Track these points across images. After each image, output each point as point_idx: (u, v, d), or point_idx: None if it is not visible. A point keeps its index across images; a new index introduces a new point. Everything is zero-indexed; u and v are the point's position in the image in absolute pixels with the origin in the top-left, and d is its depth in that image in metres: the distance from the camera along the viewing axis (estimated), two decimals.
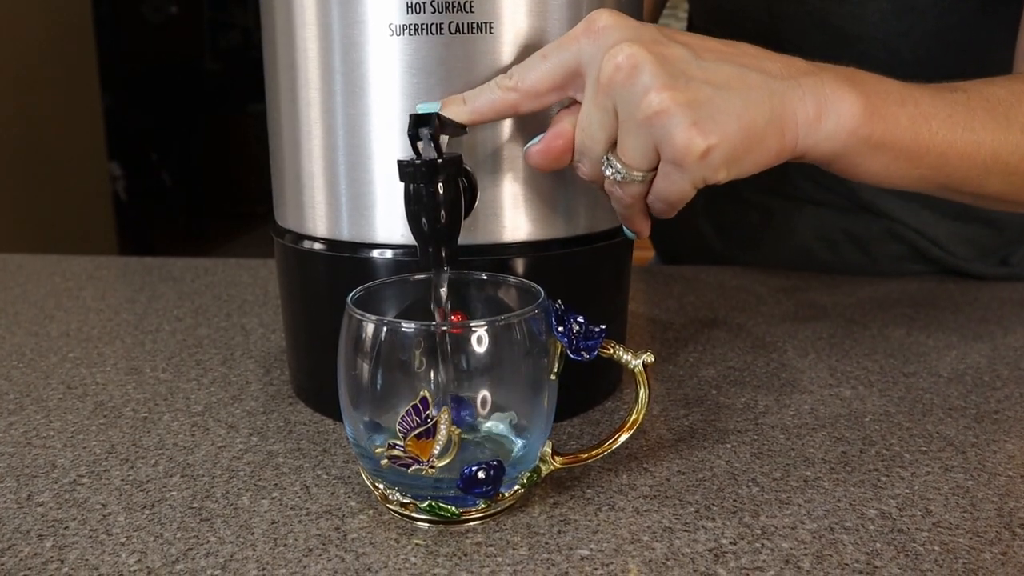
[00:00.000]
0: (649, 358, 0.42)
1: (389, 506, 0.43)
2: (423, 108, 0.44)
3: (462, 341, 0.40)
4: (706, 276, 0.90)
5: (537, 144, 0.46)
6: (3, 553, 0.40)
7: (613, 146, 0.44)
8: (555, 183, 0.49)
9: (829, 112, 0.46)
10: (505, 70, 0.46)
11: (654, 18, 0.93)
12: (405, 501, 0.41)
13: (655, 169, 0.44)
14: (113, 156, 3.54)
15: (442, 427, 0.39)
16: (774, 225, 0.93)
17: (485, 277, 0.47)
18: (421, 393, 0.39)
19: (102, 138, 3.23)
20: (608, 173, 0.44)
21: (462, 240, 0.43)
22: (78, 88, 3.07)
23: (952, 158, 0.50)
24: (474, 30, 0.46)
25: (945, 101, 0.50)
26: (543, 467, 0.44)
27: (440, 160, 0.42)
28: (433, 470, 0.40)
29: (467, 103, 0.45)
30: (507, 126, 0.48)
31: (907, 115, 0.49)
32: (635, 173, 0.44)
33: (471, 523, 0.42)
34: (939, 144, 0.50)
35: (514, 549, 0.40)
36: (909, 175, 0.50)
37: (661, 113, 0.41)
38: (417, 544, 0.40)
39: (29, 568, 0.39)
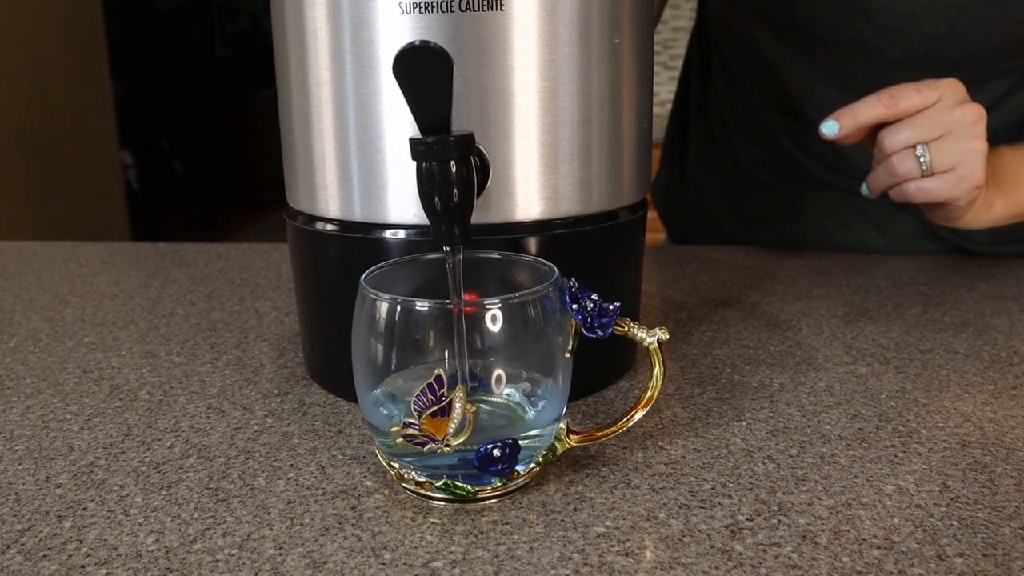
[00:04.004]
0: (664, 335, 0.42)
1: (405, 485, 0.43)
2: (827, 127, 0.66)
3: (476, 319, 0.40)
4: (719, 256, 0.90)
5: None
6: (23, 534, 0.40)
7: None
8: (567, 161, 0.49)
9: (986, 211, 0.71)
10: (517, 48, 0.46)
11: (659, 7, 0.92)
12: (421, 480, 0.42)
13: (931, 173, 0.66)
14: (124, 144, 3.55)
15: (457, 405, 0.39)
16: (787, 205, 0.93)
17: (498, 256, 0.46)
18: (436, 371, 0.39)
19: (113, 127, 3.24)
20: (920, 156, 0.65)
21: (475, 219, 0.43)
22: (88, 77, 3.07)
23: None
24: (485, 7, 0.45)
25: None
26: (558, 445, 0.44)
27: (452, 138, 0.42)
28: (448, 448, 0.40)
29: (857, 115, 0.66)
30: (517, 106, 0.47)
31: None
32: (926, 160, 0.65)
33: (487, 501, 0.42)
34: None
35: (530, 527, 0.40)
36: (1012, 222, 0.75)
37: (978, 152, 0.65)
38: (433, 523, 0.41)
39: (49, 548, 0.39)
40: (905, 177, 0.66)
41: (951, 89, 0.66)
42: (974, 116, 0.65)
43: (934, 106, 0.65)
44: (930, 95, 0.65)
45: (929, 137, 0.65)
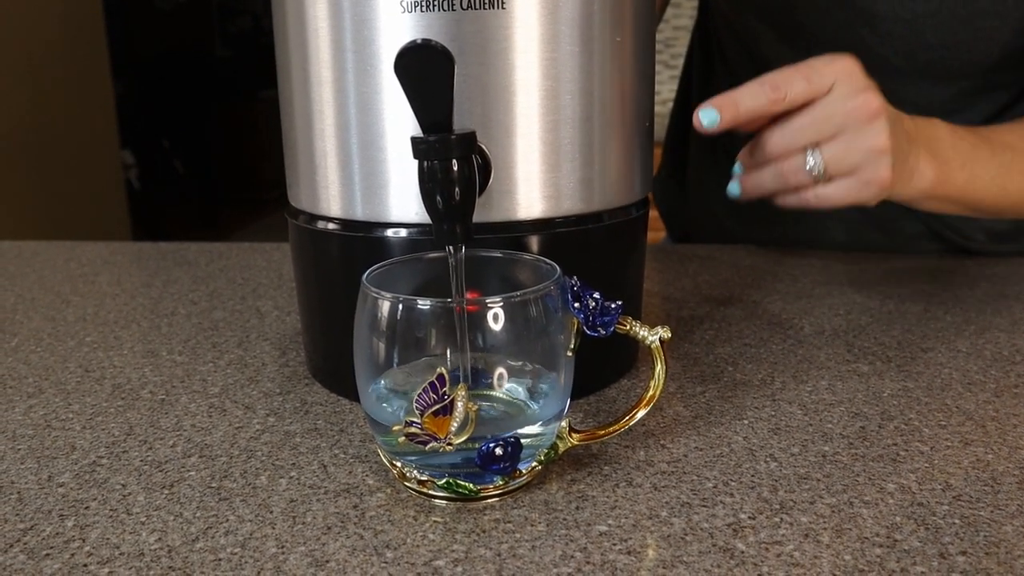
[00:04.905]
0: (666, 333, 0.42)
1: (407, 484, 0.43)
2: (706, 114, 0.57)
3: (478, 318, 0.40)
4: (720, 255, 0.90)
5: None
6: (26, 532, 0.40)
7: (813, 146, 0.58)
8: (569, 160, 0.49)
9: (915, 177, 0.62)
10: (518, 46, 0.46)
11: (661, 5, 0.92)
12: (423, 479, 0.42)
13: (828, 178, 0.58)
14: (125, 144, 3.55)
15: (459, 404, 0.39)
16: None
17: (500, 255, 0.46)
18: (438, 370, 0.39)
19: (114, 126, 3.24)
20: (811, 162, 0.57)
21: (477, 218, 0.43)
22: (89, 77, 3.07)
23: (985, 203, 0.67)
24: (486, 6, 0.45)
25: (995, 163, 0.66)
26: (560, 444, 0.44)
27: (454, 137, 0.42)
28: (451, 447, 0.40)
29: (738, 105, 0.57)
30: (519, 104, 0.47)
31: (963, 178, 0.64)
32: (817, 166, 0.57)
33: (489, 500, 0.42)
34: (979, 197, 0.66)
35: (532, 525, 0.40)
36: (950, 209, 0.68)
37: (880, 152, 0.57)
38: (435, 521, 0.41)
39: (52, 547, 0.39)
40: (798, 185, 0.58)
41: (846, 73, 0.57)
42: (871, 111, 0.56)
43: (825, 97, 0.57)
44: (820, 83, 0.56)
45: (821, 138, 0.57)
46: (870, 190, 0.58)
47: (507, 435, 0.40)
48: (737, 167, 0.62)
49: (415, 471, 0.42)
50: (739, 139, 0.95)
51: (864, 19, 0.76)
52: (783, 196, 0.60)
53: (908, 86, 0.79)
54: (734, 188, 0.62)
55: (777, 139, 0.58)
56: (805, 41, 0.81)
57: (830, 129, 0.57)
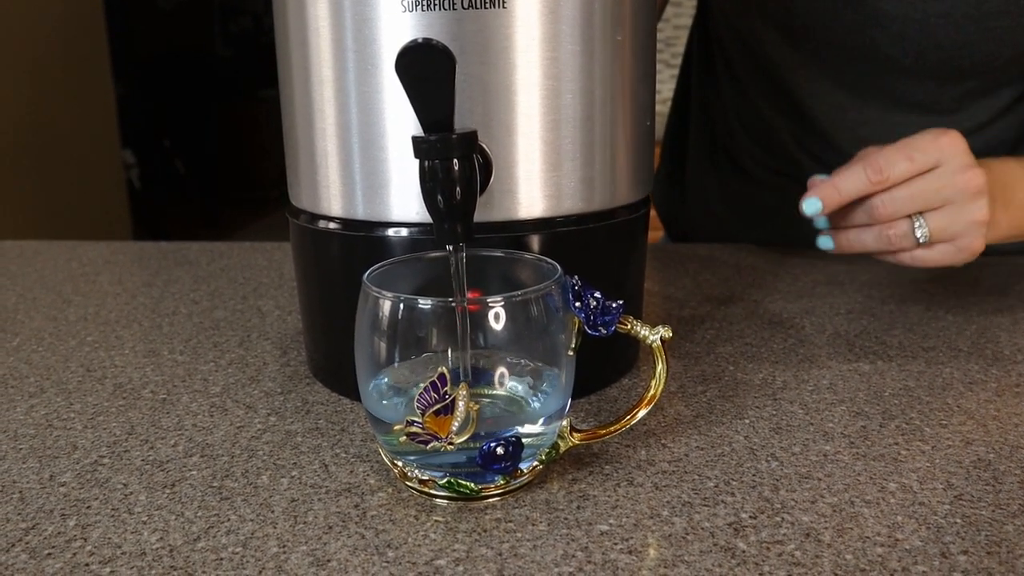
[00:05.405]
0: (667, 332, 0.42)
1: (408, 483, 0.43)
2: (809, 204, 0.62)
3: (479, 318, 0.40)
4: (721, 254, 0.90)
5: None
6: (28, 532, 0.40)
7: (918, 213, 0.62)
8: (570, 159, 0.49)
9: (993, 228, 0.64)
10: (519, 45, 0.46)
11: (662, 4, 0.92)
12: (424, 478, 0.42)
13: (930, 244, 0.62)
14: (126, 144, 3.55)
15: (460, 403, 0.39)
16: (788, 205, 0.92)
17: (501, 254, 0.46)
18: (439, 370, 0.39)
19: (115, 126, 3.24)
20: (917, 229, 0.61)
21: (478, 217, 0.43)
22: (90, 77, 3.07)
23: None
24: (487, 5, 0.45)
25: None
26: (561, 443, 0.44)
27: (455, 136, 0.42)
28: (452, 446, 0.40)
29: (840, 192, 0.61)
30: (519, 104, 0.47)
31: None
32: (924, 233, 0.61)
33: (490, 499, 0.42)
34: None
35: (533, 525, 0.40)
36: (1015, 240, 0.69)
37: (980, 225, 0.61)
38: (437, 521, 0.41)
39: (53, 547, 0.39)
40: (900, 248, 0.62)
41: (952, 150, 0.60)
42: (977, 187, 0.60)
43: (933, 172, 0.60)
44: (924, 161, 0.60)
45: (928, 207, 0.61)
46: (963, 256, 0.62)
47: (508, 434, 0.40)
48: (823, 221, 0.66)
49: (416, 470, 0.42)
50: (739, 142, 0.95)
51: (874, 20, 0.76)
52: (880, 254, 0.64)
53: (916, 86, 0.79)
54: (827, 243, 0.66)
55: (886, 205, 0.61)
56: (812, 43, 0.81)
57: (937, 200, 0.61)
